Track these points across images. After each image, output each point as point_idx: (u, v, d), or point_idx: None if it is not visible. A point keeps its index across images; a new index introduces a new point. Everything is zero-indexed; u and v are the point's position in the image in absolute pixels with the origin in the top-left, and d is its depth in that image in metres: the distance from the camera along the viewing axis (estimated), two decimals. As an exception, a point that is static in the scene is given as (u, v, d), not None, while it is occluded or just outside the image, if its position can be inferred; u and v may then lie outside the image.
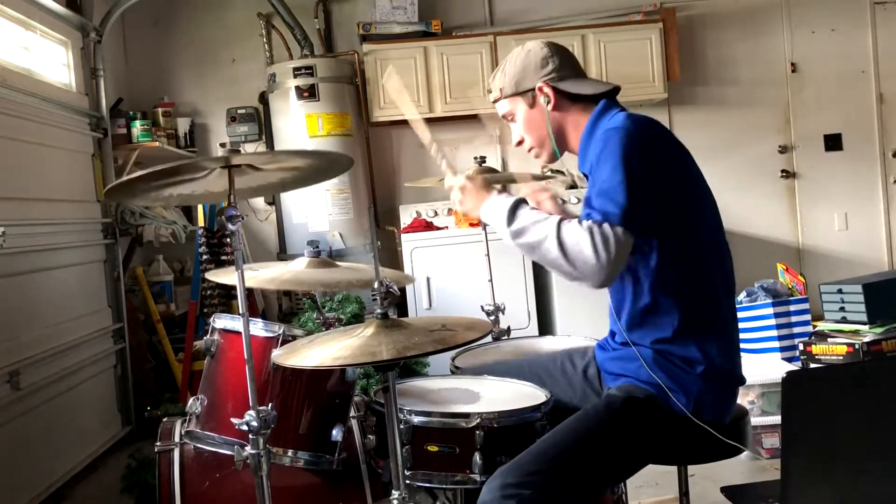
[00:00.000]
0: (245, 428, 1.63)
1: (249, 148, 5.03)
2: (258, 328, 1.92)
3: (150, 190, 1.72)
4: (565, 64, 1.84)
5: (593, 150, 1.69)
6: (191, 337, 4.19)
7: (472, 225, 4.66)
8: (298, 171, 1.84)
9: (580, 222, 1.57)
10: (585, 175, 1.83)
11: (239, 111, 5.03)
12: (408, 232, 4.66)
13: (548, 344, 2.43)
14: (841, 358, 3.38)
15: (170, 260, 4.74)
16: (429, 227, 4.73)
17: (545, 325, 4.54)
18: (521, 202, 1.69)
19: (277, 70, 4.78)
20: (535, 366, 2.00)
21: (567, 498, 1.52)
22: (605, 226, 1.53)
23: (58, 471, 3.37)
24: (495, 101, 1.91)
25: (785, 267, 4.34)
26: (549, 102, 1.81)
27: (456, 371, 2.12)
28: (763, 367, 3.37)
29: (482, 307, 2.54)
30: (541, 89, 1.81)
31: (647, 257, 1.64)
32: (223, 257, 4.37)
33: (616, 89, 1.84)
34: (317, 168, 1.85)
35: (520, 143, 1.91)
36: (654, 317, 1.67)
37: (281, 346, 1.87)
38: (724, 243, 1.75)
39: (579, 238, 1.54)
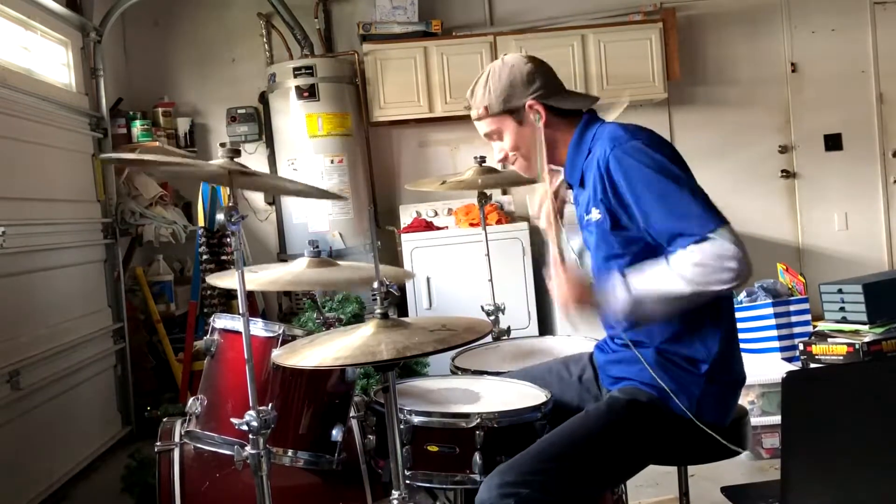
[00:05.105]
0: (245, 428, 1.63)
1: (249, 148, 5.03)
2: (258, 328, 1.92)
3: (148, 165, 1.73)
4: (549, 79, 1.80)
5: (592, 166, 1.69)
6: (191, 337, 4.18)
7: (472, 225, 4.67)
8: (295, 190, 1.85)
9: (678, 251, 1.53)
10: (569, 185, 1.82)
11: (239, 111, 5.03)
12: (408, 232, 4.66)
13: (548, 344, 2.43)
14: (841, 358, 3.37)
15: (170, 260, 4.74)
16: (429, 227, 4.73)
17: (545, 325, 4.53)
18: (622, 279, 1.59)
19: (277, 70, 4.77)
20: (531, 373, 1.98)
21: (566, 498, 1.52)
22: (711, 240, 1.49)
23: (58, 471, 3.37)
24: (478, 119, 1.84)
25: (785, 267, 4.33)
26: (539, 119, 1.77)
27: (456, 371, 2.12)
28: (763, 367, 3.37)
29: (482, 307, 2.54)
30: (531, 107, 1.76)
31: (652, 254, 1.62)
32: (223, 257, 4.36)
33: (596, 100, 1.83)
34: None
35: (503, 159, 1.86)
36: None
37: (281, 346, 1.87)
38: None
39: (700, 262, 1.50)
